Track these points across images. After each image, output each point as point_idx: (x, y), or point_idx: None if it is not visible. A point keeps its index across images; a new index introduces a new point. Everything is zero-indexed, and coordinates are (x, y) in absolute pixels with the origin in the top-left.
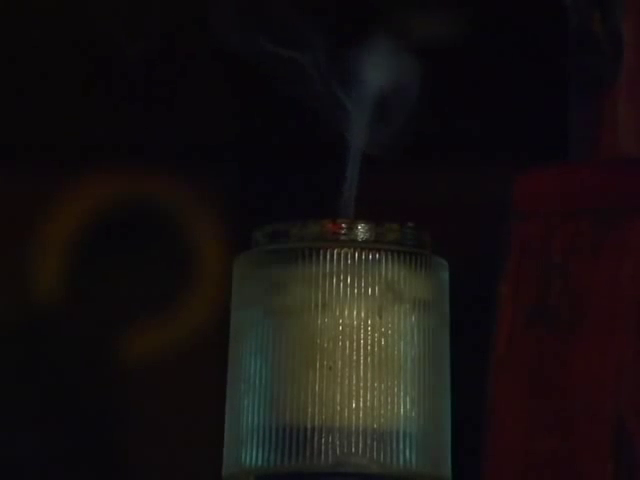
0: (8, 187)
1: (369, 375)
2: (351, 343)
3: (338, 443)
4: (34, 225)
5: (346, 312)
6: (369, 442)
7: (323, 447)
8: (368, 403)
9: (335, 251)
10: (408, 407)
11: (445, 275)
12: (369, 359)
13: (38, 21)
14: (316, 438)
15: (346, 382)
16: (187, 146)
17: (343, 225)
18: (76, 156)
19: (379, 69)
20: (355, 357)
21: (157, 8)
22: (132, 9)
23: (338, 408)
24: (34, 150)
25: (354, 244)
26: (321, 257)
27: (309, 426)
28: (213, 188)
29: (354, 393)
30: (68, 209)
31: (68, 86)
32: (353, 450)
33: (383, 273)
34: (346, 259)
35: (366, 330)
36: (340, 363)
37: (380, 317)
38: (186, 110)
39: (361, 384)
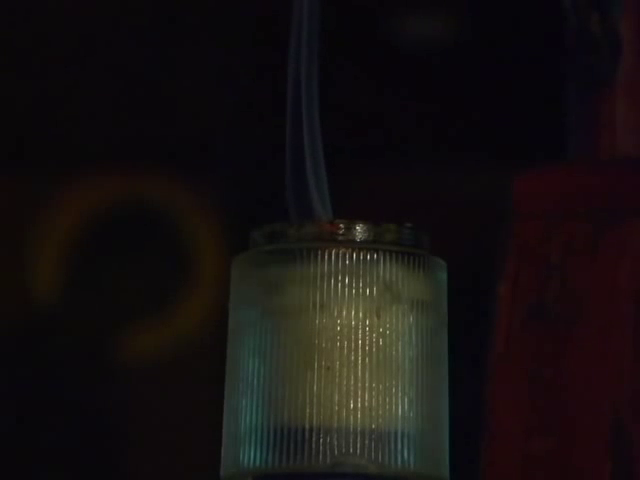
0: (8, 187)
1: (367, 375)
2: (349, 343)
3: (336, 443)
4: (34, 225)
5: (344, 312)
6: (367, 442)
7: (321, 447)
8: (366, 403)
9: (333, 251)
10: (406, 407)
11: (443, 275)
12: (367, 359)
13: (38, 20)
14: (314, 438)
15: (344, 382)
16: (187, 146)
17: (341, 225)
18: (76, 156)
19: None
20: (353, 357)
21: (156, 9)
22: (132, 10)
23: (336, 408)
24: (34, 150)
25: (352, 244)
26: (319, 257)
27: (307, 426)
28: (213, 188)
29: (352, 393)
30: (68, 209)
31: (68, 86)
32: (351, 450)
33: (381, 273)
34: (344, 259)
35: (364, 330)
36: (338, 363)
37: (378, 317)
38: (186, 110)
39: (359, 384)
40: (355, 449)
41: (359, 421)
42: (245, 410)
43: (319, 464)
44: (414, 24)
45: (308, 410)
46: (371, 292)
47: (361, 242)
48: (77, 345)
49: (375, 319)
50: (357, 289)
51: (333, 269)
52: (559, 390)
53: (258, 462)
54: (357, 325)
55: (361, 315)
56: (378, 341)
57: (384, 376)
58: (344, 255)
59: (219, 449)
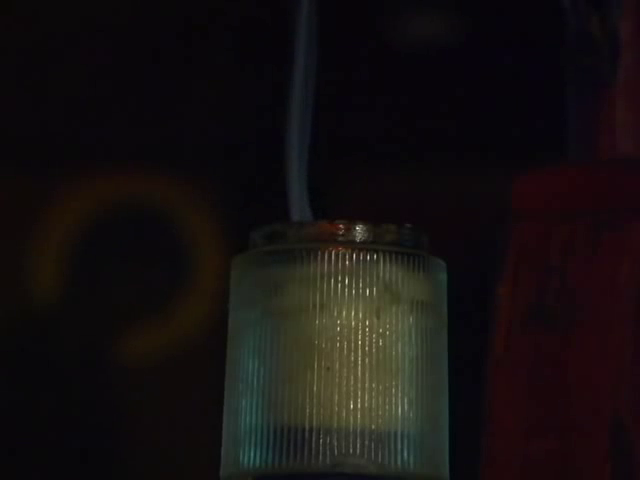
0: (8, 187)
1: (367, 376)
2: (349, 344)
3: (336, 444)
4: (34, 225)
5: (344, 313)
6: (367, 443)
7: (321, 448)
8: (366, 404)
9: (333, 252)
10: (406, 408)
11: (443, 276)
12: (367, 360)
13: (38, 20)
14: (314, 439)
15: (344, 383)
16: (187, 146)
17: (341, 226)
18: (76, 156)
19: None
20: (353, 358)
21: (157, 9)
22: (133, 11)
23: (336, 409)
24: (34, 150)
25: (352, 245)
26: (319, 258)
27: (307, 427)
28: (213, 188)
29: (352, 394)
30: (68, 209)
31: (68, 86)
32: (351, 451)
33: (381, 274)
34: (344, 260)
35: (364, 331)
36: (338, 364)
37: (378, 318)
38: (186, 110)
39: (359, 385)
40: (355, 449)
41: (359, 421)
42: (245, 410)
43: (319, 464)
44: (414, 24)
45: (308, 410)
46: (371, 292)
47: (361, 242)
48: (77, 345)
49: (375, 319)
50: (357, 289)
51: (333, 269)
52: (559, 390)
53: (258, 462)
54: (357, 325)
55: (361, 315)
56: (378, 341)
57: (384, 376)
58: (344, 255)
59: (219, 449)
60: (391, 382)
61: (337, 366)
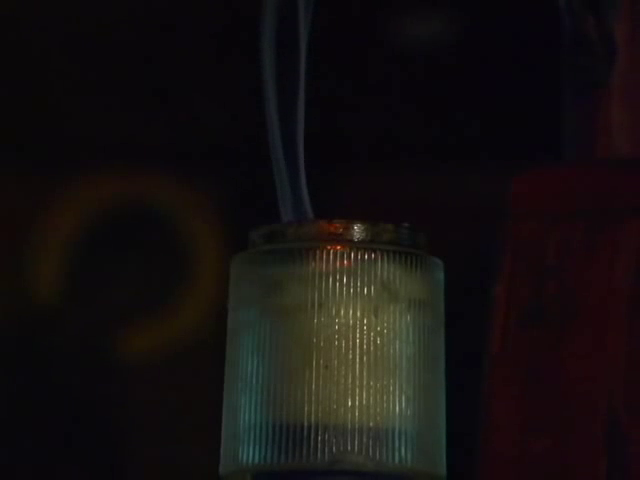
0: (8, 187)
1: (365, 374)
2: (347, 342)
3: (334, 441)
4: (34, 225)
5: (342, 311)
6: (365, 440)
7: (319, 445)
8: (364, 401)
9: (331, 251)
10: (404, 405)
11: (441, 275)
12: (365, 358)
13: (36, 20)
14: (312, 436)
15: (342, 381)
16: (187, 146)
17: (339, 225)
18: (76, 156)
19: None
20: (351, 356)
21: (158, 8)
22: (133, 9)
23: (334, 406)
24: (34, 150)
25: (350, 244)
26: (317, 257)
27: (305, 424)
28: (212, 188)
29: (350, 391)
30: (68, 209)
31: (68, 86)
32: (349, 448)
33: (379, 273)
34: (342, 259)
35: (362, 329)
36: (336, 362)
37: (376, 316)
38: (186, 110)
39: (357, 383)
40: (353, 447)
41: (357, 419)
42: (244, 408)
43: (317, 462)
44: (414, 24)
45: (306, 408)
46: (369, 291)
47: (359, 242)
48: (77, 345)
49: (373, 318)
50: (355, 288)
51: (331, 268)
52: (555, 389)
53: (257, 460)
54: (355, 324)
55: (359, 314)
56: (376, 340)
57: (382, 374)
58: (342, 255)
59: (218, 447)
60: (389, 380)
61: (335, 364)
